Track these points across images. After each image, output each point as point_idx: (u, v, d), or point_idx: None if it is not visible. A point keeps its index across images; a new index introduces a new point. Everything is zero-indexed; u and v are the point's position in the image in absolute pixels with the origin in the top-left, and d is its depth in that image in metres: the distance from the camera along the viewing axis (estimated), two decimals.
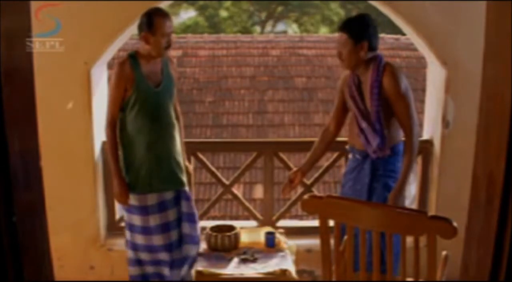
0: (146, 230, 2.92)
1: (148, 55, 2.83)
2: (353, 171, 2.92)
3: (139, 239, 2.95)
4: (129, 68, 2.80)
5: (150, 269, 3.01)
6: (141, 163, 2.87)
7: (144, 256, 2.98)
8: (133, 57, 2.83)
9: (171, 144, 2.94)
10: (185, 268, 3.01)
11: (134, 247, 2.97)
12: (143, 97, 2.82)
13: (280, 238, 3.31)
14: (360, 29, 2.72)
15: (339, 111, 2.99)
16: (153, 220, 2.91)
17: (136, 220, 2.92)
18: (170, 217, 2.95)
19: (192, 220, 3.02)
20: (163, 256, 2.96)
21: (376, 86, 2.71)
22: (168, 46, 2.82)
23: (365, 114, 2.79)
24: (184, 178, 3.01)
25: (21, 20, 1.30)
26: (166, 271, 2.99)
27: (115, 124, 2.86)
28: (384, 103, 2.73)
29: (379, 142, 2.75)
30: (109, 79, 3.46)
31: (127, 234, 2.99)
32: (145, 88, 2.82)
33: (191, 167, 3.28)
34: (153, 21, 2.75)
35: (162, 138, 2.90)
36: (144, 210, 2.90)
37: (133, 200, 2.89)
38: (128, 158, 2.88)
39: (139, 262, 2.99)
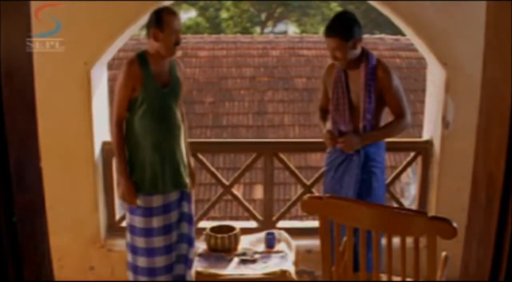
0: (148, 232, 2.89)
1: (156, 54, 2.81)
2: (341, 163, 2.96)
3: (140, 242, 2.90)
4: (137, 67, 2.78)
5: (143, 279, 2.94)
6: (147, 163, 2.85)
7: (141, 261, 2.92)
8: (142, 57, 2.82)
9: (177, 145, 2.92)
10: (181, 267, 2.99)
11: (134, 250, 2.94)
12: (150, 97, 2.80)
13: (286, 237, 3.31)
14: (349, 29, 2.80)
15: (327, 97, 3.14)
16: (157, 222, 2.88)
17: (139, 221, 2.89)
18: (173, 218, 2.94)
19: (191, 222, 3.02)
20: (160, 261, 2.91)
21: (371, 78, 2.83)
22: (177, 43, 2.81)
23: (346, 108, 2.91)
24: (188, 179, 3.00)
25: (21, 20, 1.30)
26: (161, 278, 2.94)
27: (122, 124, 2.84)
28: (376, 99, 2.83)
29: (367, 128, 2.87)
30: (112, 79, 3.45)
31: (128, 236, 2.96)
32: (152, 88, 2.80)
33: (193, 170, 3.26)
34: (162, 18, 2.75)
35: (168, 139, 2.88)
36: (148, 212, 2.87)
37: (137, 200, 2.87)
38: (134, 158, 2.86)
39: (135, 269, 2.95)
